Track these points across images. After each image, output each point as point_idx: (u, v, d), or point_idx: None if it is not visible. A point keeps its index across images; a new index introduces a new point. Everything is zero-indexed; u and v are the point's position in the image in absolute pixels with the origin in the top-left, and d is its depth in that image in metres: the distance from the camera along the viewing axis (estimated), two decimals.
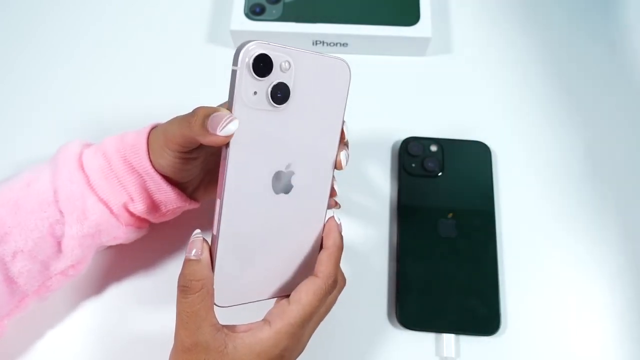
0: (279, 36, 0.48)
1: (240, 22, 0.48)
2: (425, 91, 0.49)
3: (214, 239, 0.28)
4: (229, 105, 0.27)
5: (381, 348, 0.39)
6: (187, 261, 0.28)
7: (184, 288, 0.27)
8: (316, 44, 0.49)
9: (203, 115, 0.27)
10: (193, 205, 0.37)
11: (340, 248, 0.32)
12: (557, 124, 0.47)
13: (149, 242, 0.40)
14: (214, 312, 0.28)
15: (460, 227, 0.42)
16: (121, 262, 0.41)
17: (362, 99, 0.48)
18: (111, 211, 0.33)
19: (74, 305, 0.40)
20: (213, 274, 0.28)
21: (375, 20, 0.48)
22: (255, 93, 0.27)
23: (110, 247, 0.40)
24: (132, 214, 0.34)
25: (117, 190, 0.33)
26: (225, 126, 0.26)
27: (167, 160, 0.32)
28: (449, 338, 0.38)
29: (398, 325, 0.39)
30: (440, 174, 0.44)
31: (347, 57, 0.50)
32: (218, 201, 0.28)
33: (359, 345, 0.39)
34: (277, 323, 0.29)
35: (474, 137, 0.45)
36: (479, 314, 0.39)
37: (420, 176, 0.44)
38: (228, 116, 0.26)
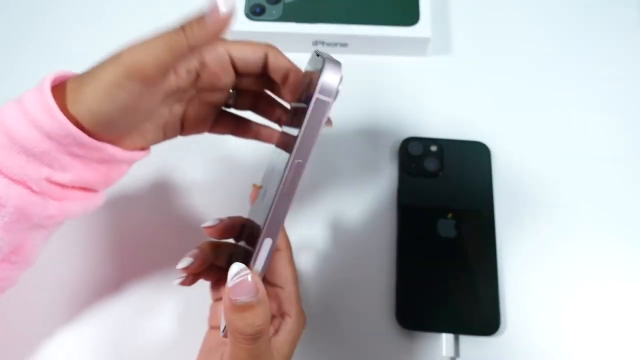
0: (279, 36, 0.48)
1: (241, 22, 0.48)
2: (425, 91, 0.49)
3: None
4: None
5: (381, 348, 0.39)
6: (245, 307, 0.25)
7: (254, 336, 0.25)
8: (316, 44, 0.49)
9: (195, 17, 0.26)
10: (141, 155, 0.31)
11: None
12: (557, 124, 0.47)
13: (152, 249, 0.40)
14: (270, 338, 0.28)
15: (459, 227, 0.42)
16: (121, 270, 0.42)
17: (362, 99, 0.48)
18: (31, 190, 0.28)
19: (70, 317, 0.40)
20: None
21: (375, 21, 0.48)
22: None
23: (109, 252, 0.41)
24: (63, 186, 0.29)
25: (31, 165, 0.27)
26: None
27: (116, 100, 0.26)
28: (448, 338, 0.38)
29: (398, 325, 0.39)
30: (440, 174, 0.44)
31: (347, 57, 0.50)
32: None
33: (359, 345, 0.39)
34: (292, 309, 0.30)
35: (474, 137, 0.46)
36: (478, 314, 0.39)
37: (420, 176, 0.44)
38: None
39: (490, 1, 0.53)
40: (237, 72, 0.31)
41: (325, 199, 0.44)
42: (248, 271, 0.25)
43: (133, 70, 0.25)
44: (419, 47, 0.49)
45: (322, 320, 0.39)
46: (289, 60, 0.31)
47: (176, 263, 0.30)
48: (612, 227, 0.43)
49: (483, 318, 0.39)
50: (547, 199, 0.44)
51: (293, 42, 0.49)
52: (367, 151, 0.46)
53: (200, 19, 0.25)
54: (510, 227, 0.43)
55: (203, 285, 0.33)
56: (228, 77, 0.31)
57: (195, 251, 0.31)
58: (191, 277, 0.31)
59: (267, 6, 0.49)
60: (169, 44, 0.25)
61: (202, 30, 0.25)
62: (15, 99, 0.27)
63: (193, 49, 0.26)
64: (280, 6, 0.49)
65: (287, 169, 0.25)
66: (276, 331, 0.29)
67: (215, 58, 0.30)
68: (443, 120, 0.47)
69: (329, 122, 0.30)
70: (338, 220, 0.43)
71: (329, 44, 0.49)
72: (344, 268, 0.41)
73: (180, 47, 0.25)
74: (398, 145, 0.45)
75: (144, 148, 0.31)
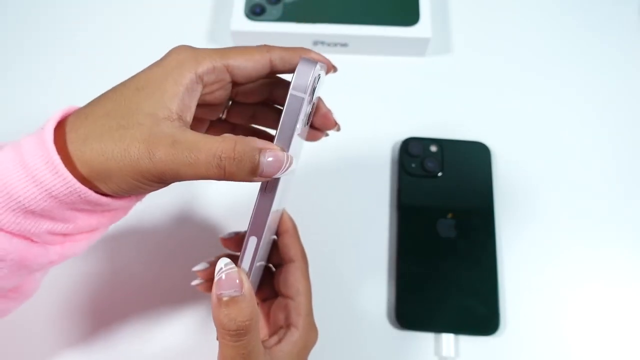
0: (280, 37, 0.48)
1: (241, 22, 0.48)
2: (425, 91, 0.49)
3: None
4: (283, 136, 0.24)
5: (381, 348, 0.39)
6: (229, 302, 0.24)
7: (237, 332, 0.24)
8: (316, 44, 0.49)
9: (250, 161, 0.22)
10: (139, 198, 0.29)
11: (296, 227, 0.33)
12: (557, 124, 0.47)
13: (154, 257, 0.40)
14: (260, 338, 0.27)
15: (459, 227, 0.42)
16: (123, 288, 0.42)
17: (362, 99, 0.48)
18: (31, 241, 0.26)
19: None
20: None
21: (375, 21, 0.48)
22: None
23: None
24: (65, 235, 0.27)
25: (30, 220, 0.25)
26: (287, 168, 0.24)
27: (133, 187, 0.24)
28: (448, 338, 0.38)
29: (397, 325, 0.39)
30: (440, 174, 0.44)
31: (347, 57, 0.50)
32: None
33: (359, 345, 0.39)
34: (299, 321, 0.30)
35: (474, 137, 0.46)
36: (478, 314, 0.39)
37: (420, 176, 0.44)
38: (286, 157, 0.23)
39: (490, 1, 0.53)
40: (236, 84, 0.28)
41: (325, 199, 0.44)
42: (233, 265, 0.25)
43: (157, 177, 0.23)
44: (419, 47, 0.49)
45: (322, 320, 0.39)
46: (295, 53, 0.28)
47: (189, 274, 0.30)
48: (612, 227, 0.43)
49: (482, 318, 0.39)
50: (547, 199, 0.44)
51: (293, 42, 0.48)
52: (367, 151, 0.46)
53: (251, 162, 0.23)
54: (510, 227, 0.43)
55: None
56: (225, 92, 0.28)
57: (212, 259, 0.31)
58: (207, 284, 0.31)
59: (267, 6, 0.49)
60: (199, 174, 0.23)
61: (245, 176, 0.23)
62: (13, 144, 0.24)
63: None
64: (280, 6, 0.49)
65: None
66: (279, 340, 0.29)
67: (216, 79, 0.26)
68: (443, 120, 0.47)
69: (337, 126, 0.30)
70: (338, 220, 0.43)
71: (329, 44, 0.49)
72: (343, 268, 0.41)
73: (209, 178, 0.23)
74: (398, 145, 0.45)
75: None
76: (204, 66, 0.25)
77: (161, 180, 0.23)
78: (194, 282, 0.32)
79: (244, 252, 0.26)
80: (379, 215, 0.43)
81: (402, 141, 0.45)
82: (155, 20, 0.52)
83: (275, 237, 0.34)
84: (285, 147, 0.24)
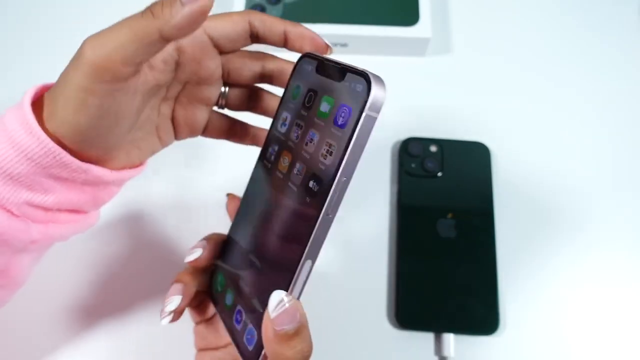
0: None
1: None
2: (425, 91, 0.49)
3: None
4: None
5: (381, 348, 0.39)
6: (293, 335, 0.23)
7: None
8: None
9: None
10: (131, 174, 0.28)
11: None
12: (558, 124, 0.47)
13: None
14: None
15: (459, 228, 0.42)
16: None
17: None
18: (11, 214, 0.25)
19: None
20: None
21: (375, 21, 0.48)
22: None
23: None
24: (46, 209, 0.26)
25: (8, 187, 0.24)
26: None
27: (90, 107, 0.23)
28: (448, 338, 0.38)
29: (397, 325, 0.39)
30: (439, 174, 0.44)
31: (347, 57, 0.50)
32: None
33: (359, 345, 0.39)
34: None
35: (474, 137, 0.46)
36: (477, 314, 0.39)
37: (420, 176, 0.44)
38: None
39: (490, 1, 0.53)
40: (222, 52, 0.28)
41: None
42: (290, 297, 0.23)
43: (98, 69, 0.22)
44: (419, 47, 0.49)
45: (322, 320, 0.39)
46: (279, 19, 0.28)
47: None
48: (613, 227, 0.43)
49: (482, 318, 0.39)
50: (547, 199, 0.44)
51: None
52: (368, 151, 0.46)
53: (173, 1, 0.21)
54: (510, 227, 0.43)
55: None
56: (212, 61, 0.28)
57: (178, 286, 0.28)
58: (178, 314, 0.29)
59: (267, 6, 0.49)
60: (136, 33, 0.21)
61: (177, 16, 0.21)
62: None
63: (166, 38, 0.22)
64: (280, 6, 0.49)
65: (333, 188, 0.24)
66: None
67: (192, 40, 0.26)
68: (443, 120, 0.47)
69: (326, 48, 0.29)
70: (338, 220, 0.43)
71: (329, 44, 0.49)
72: (343, 268, 0.41)
73: (150, 35, 0.21)
74: (398, 145, 0.45)
75: (138, 164, 0.29)
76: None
77: (103, 72, 0.22)
78: (165, 321, 0.28)
79: (297, 277, 0.24)
80: (379, 215, 0.43)
81: (402, 141, 0.45)
82: None
83: None
84: (352, 172, 0.24)
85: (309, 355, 0.23)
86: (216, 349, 0.31)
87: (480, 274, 0.40)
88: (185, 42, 0.26)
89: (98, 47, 0.22)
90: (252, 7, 0.49)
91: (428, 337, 0.39)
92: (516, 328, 0.39)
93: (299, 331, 0.23)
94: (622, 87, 0.49)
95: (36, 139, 0.23)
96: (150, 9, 0.21)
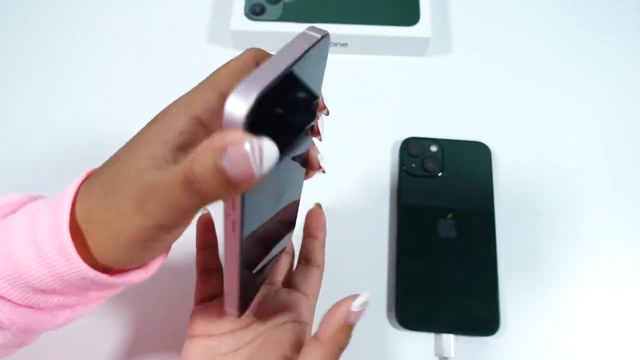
0: (279, 36, 0.48)
1: (241, 22, 0.48)
2: (425, 91, 0.49)
3: None
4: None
5: (381, 348, 0.39)
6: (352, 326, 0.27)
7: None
8: None
9: (212, 165, 0.17)
10: (163, 258, 0.26)
11: (325, 233, 0.36)
12: (558, 124, 0.47)
13: None
14: None
15: (459, 228, 0.42)
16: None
17: (362, 99, 0.48)
18: (38, 309, 0.25)
19: None
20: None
21: (375, 20, 0.48)
22: None
23: None
24: (74, 305, 0.26)
25: (39, 296, 0.24)
26: (262, 158, 0.17)
27: (143, 250, 0.22)
28: (448, 338, 0.38)
29: (397, 325, 0.39)
30: (440, 174, 0.44)
31: (347, 58, 0.50)
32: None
33: (359, 345, 0.39)
34: (311, 321, 0.32)
35: (474, 137, 0.46)
36: (478, 314, 0.39)
37: (420, 176, 0.44)
38: (250, 145, 0.17)
39: (491, 1, 0.53)
40: None
41: (325, 199, 0.44)
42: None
43: (158, 229, 0.21)
44: (419, 47, 0.49)
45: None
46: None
47: None
48: (613, 227, 0.43)
49: (482, 318, 0.39)
50: (547, 199, 0.44)
51: None
52: (367, 151, 0.46)
53: (215, 175, 0.18)
54: (510, 227, 0.43)
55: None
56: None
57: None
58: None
59: (267, 6, 0.49)
60: (186, 209, 0.20)
61: (224, 191, 0.18)
62: (27, 214, 0.23)
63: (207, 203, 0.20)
64: (280, 6, 0.49)
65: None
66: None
67: (210, 110, 0.23)
68: (443, 120, 0.47)
69: (317, 133, 0.26)
70: (338, 220, 0.43)
71: (329, 44, 0.49)
72: (343, 268, 0.41)
73: (199, 208, 0.20)
74: (398, 145, 0.45)
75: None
76: (198, 106, 0.22)
77: (163, 232, 0.21)
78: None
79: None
80: (379, 215, 0.43)
81: (402, 141, 0.45)
82: (155, 20, 0.52)
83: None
84: (243, 105, 0.17)
85: None
86: (210, 336, 0.30)
87: (480, 274, 0.40)
88: (211, 118, 0.23)
89: (154, 215, 0.21)
90: (252, 6, 0.49)
91: (428, 337, 0.39)
92: (516, 328, 0.39)
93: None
94: (622, 86, 0.49)
95: (74, 267, 0.22)
96: (196, 190, 0.19)
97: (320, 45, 0.21)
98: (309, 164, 0.28)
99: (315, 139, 0.27)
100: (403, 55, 0.50)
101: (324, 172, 0.28)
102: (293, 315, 0.32)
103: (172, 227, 0.21)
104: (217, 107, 0.23)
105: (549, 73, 0.49)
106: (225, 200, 0.20)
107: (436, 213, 0.42)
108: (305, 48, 0.20)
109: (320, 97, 0.25)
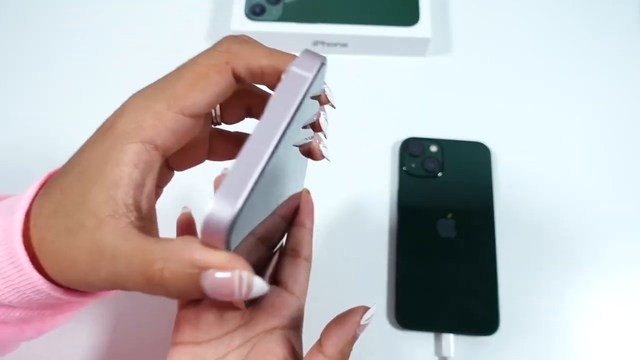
0: (279, 36, 0.48)
1: (241, 22, 0.48)
2: (425, 91, 0.49)
3: None
4: None
5: (380, 348, 0.39)
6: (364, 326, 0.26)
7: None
8: (316, 44, 0.49)
9: (186, 276, 0.18)
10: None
11: (313, 221, 0.32)
12: (557, 124, 0.47)
13: None
14: None
15: (459, 228, 0.42)
16: None
17: (362, 99, 0.48)
18: (4, 323, 0.24)
19: None
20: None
21: (375, 21, 0.48)
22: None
23: None
24: (43, 317, 0.25)
25: (1, 310, 0.23)
26: (247, 292, 0.17)
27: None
28: (448, 338, 0.38)
29: (397, 325, 0.39)
30: (440, 174, 0.44)
31: (347, 58, 0.50)
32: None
33: (358, 345, 0.39)
34: (301, 325, 0.30)
35: (474, 137, 0.46)
36: (478, 314, 0.39)
37: (420, 176, 0.44)
38: (238, 278, 0.17)
39: (491, 1, 0.53)
40: (210, 117, 0.25)
41: (325, 199, 0.44)
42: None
43: (113, 286, 0.20)
44: (419, 47, 0.49)
45: (321, 320, 0.39)
46: (257, 55, 0.23)
47: None
48: (613, 227, 0.43)
49: (482, 318, 0.39)
50: (547, 199, 0.44)
51: (293, 42, 0.49)
52: (367, 151, 0.46)
53: (189, 285, 0.18)
54: (510, 227, 0.43)
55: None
56: (205, 132, 0.26)
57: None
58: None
59: (267, 6, 0.49)
60: (138, 288, 0.19)
61: (190, 294, 0.18)
62: None
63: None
64: (280, 6, 0.49)
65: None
66: None
67: (176, 135, 0.22)
68: (443, 120, 0.47)
69: (318, 157, 0.26)
70: (338, 220, 0.43)
71: (329, 44, 0.49)
72: (343, 268, 0.41)
73: (154, 293, 0.19)
74: (398, 145, 0.45)
75: None
76: (150, 129, 0.20)
77: (118, 289, 0.20)
78: None
79: None
80: (379, 215, 0.43)
81: (402, 141, 0.45)
82: (155, 20, 0.52)
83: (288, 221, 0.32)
84: (263, 154, 0.17)
85: None
86: (197, 343, 0.28)
87: (480, 274, 0.40)
88: (167, 141, 0.21)
89: (110, 280, 0.20)
90: (252, 6, 0.49)
91: (428, 337, 0.39)
92: (516, 328, 0.39)
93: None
94: (622, 86, 0.49)
95: (28, 279, 0.21)
96: (163, 288, 0.18)
97: (317, 79, 0.20)
98: (311, 154, 0.27)
99: (321, 135, 0.26)
100: (403, 55, 0.50)
101: (328, 160, 0.28)
102: (283, 321, 0.29)
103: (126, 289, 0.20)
104: (175, 129, 0.21)
105: (549, 73, 0.49)
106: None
107: (436, 213, 0.42)
108: (292, 112, 0.18)
109: (323, 93, 0.23)
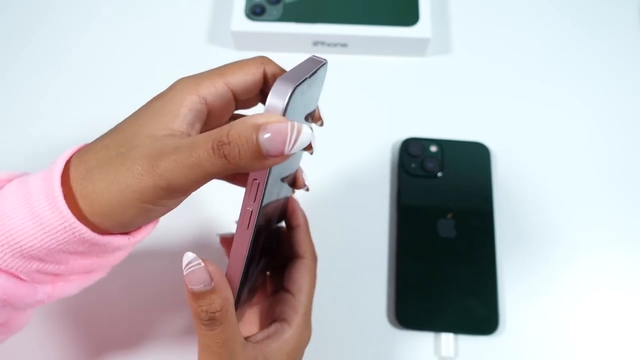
0: (279, 36, 0.48)
1: (241, 22, 0.48)
2: (425, 92, 0.49)
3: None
4: None
5: (380, 347, 0.39)
6: (199, 295, 0.25)
7: (209, 322, 0.25)
8: (316, 44, 0.49)
9: (248, 142, 0.20)
10: (149, 231, 0.27)
11: (307, 222, 0.33)
12: (557, 124, 0.47)
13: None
14: (239, 330, 0.27)
15: (459, 227, 0.42)
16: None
17: (362, 99, 0.48)
18: (19, 279, 0.25)
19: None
20: (236, 288, 0.26)
21: (374, 21, 0.48)
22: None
23: None
24: (56, 275, 0.26)
25: (18, 259, 0.23)
26: (297, 139, 0.20)
27: (142, 215, 0.23)
28: (447, 337, 0.38)
29: (397, 324, 0.39)
30: (439, 174, 0.44)
31: (347, 58, 0.50)
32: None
33: (358, 344, 0.39)
34: (294, 318, 0.29)
35: (474, 137, 0.46)
36: (477, 313, 0.39)
37: (420, 176, 0.44)
38: (291, 126, 0.20)
39: (490, 2, 0.53)
40: (237, 103, 0.27)
41: (325, 199, 0.44)
42: (199, 261, 0.25)
43: (166, 191, 0.22)
44: (418, 47, 0.49)
45: (321, 320, 0.39)
46: (281, 68, 0.27)
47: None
48: (612, 228, 0.43)
49: (482, 318, 0.39)
50: (547, 199, 0.44)
51: (293, 42, 0.49)
52: (368, 151, 0.46)
53: (249, 143, 0.20)
54: (510, 227, 0.43)
55: None
56: (229, 113, 0.28)
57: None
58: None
59: (267, 6, 0.49)
60: (206, 174, 0.21)
61: (250, 160, 0.21)
62: (17, 182, 0.24)
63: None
64: (280, 6, 0.49)
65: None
66: (269, 336, 0.29)
67: (220, 99, 0.25)
68: (443, 120, 0.47)
69: (309, 147, 0.26)
70: (338, 220, 0.43)
71: (328, 44, 0.49)
72: (343, 268, 0.42)
73: (218, 173, 0.21)
74: (398, 145, 0.45)
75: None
76: (205, 87, 0.25)
77: (170, 194, 0.22)
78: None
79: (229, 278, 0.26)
80: (379, 215, 0.43)
81: (402, 141, 0.45)
82: (155, 20, 0.52)
83: (283, 225, 0.33)
84: (283, 98, 0.21)
85: (215, 317, 0.25)
86: None
87: (480, 274, 0.40)
88: (213, 101, 0.25)
89: (168, 170, 0.21)
90: (252, 7, 0.49)
91: (428, 337, 0.39)
92: (516, 328, 0.39)
93: (206, 293, 0.25)
94: (622, 87, 0.49)
95: (58, 213, 0.22)
96: (224, 153, 0.21)
97: (322, 68, 0.25)
98: (295, 183, 0.31)
99: (306, 153, 0.28)
100: (403, 56, 0.50)
101: (307, 189, 0.32)
102: (281, 327, 0.30)
103: (181, 190, 0.22)
104: (222, 94, 0.25)
105: (549, 73, 0.49)
106: (247, 192, 0.23)
107: (436, 213, 0.42)
108: (316, 67, 0.24)
109: (316, 109, 0.28)
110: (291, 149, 0.20)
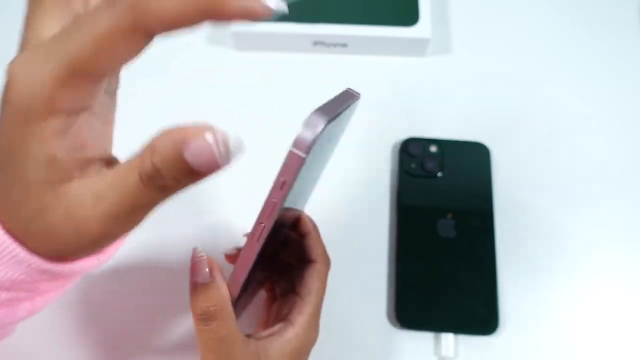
0: (279, 36, 0.48)
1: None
2: (425, 92, 0.49)
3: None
4: None
5: (380, 347, 0.39)
6: (197, 287, 0.25)
7: (204, 317, 0.25)
8: (316, 44, 0.49)
9: (177, 164, 0.17)
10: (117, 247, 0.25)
11: (317, 228, 0.34)
12: (557, 124, 0.47)
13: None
14: (237, 327, 0.27)
15: (459, 227, 0.42)
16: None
17: (362, 99, 0.48)
18: None
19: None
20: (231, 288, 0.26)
21: (374, 21, 0.48)
22: None
23: None
24: (31, 295, 0.25)
25: None
26: (230, 152, 0.17)
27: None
28: (447, 337, 0.38)
29: (397, 324, 0.39)
30: (439, 174, 0.44)
31: (347, 58, 0.50)
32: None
33: (358, 344, 0.39)
34: (299, 319, 0.30)
35: (473, 137, 0.46)
36: (477, 313, 0.39)
37: (419, 176, 0.44)
38: (216, 142, 0.17)
39: (490, 2, 0.53)
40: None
41: (325, 199, 0.44)
42: (203, 254, 0.26)
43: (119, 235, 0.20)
44: (418, 47, 0.49)
45: (322, 320, 0.39)
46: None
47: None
48: (612, 228, 0.43)
49: (482, 318, 0.39)
50: (547, 199, 0.44)
51: (293, 42, 0.49)
52: (367, 151, 0.46)
53: (179, 162, 0.17)
54: (510, 227, 0.43)
55: None
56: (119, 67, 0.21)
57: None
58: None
59: None
60: (150, 204, 0.19)
61: (182, 181, 0.18)
62: None
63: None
64: None
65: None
66: (272, 334, 0.29)
67: (74, 91, 0.20)
68: (443, 120, 0.47)
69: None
70: (338, 220, 0.43)
71: (328, 44, 0.49)
72: (343, 268, 0.41)
73: (154, 204, 0.19)
74: (398, 145, 0.45)
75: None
76: (49, 90, 0.19)
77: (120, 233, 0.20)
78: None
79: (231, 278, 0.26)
80: (379, 215, 0.43)
81: (402, 141, 0.45)
82: None
83: (292, 233, 0.34)
84: (314, 131, 0.21)
85: (209, 313, 0.25)
86: None
87: (480, 274, 0.40)
88: (71, 96, 0.20)
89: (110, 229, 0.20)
90: None
91: (428, 337, 0.39)
92: (516, 328, 0.39)
93: (205, 287, 0.25)
94: (622, 87, 0.49)
95: (7, 251, 0.20)
96: (160, 186, 0.18)
97: (356, 102, 0.26)
98: (299, 225, 0.33)
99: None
100: (403, 56, 0.50)
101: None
102: (285, 327, 0.30)
103: (131, 224, 0.20)
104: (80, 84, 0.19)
105: (549, 73, 0.49)
106: (263, 209, 0.23)
107: (436, 213, 0.42)
108: (352, 101, 0.25)
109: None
110: (229, 160, 0.17)
